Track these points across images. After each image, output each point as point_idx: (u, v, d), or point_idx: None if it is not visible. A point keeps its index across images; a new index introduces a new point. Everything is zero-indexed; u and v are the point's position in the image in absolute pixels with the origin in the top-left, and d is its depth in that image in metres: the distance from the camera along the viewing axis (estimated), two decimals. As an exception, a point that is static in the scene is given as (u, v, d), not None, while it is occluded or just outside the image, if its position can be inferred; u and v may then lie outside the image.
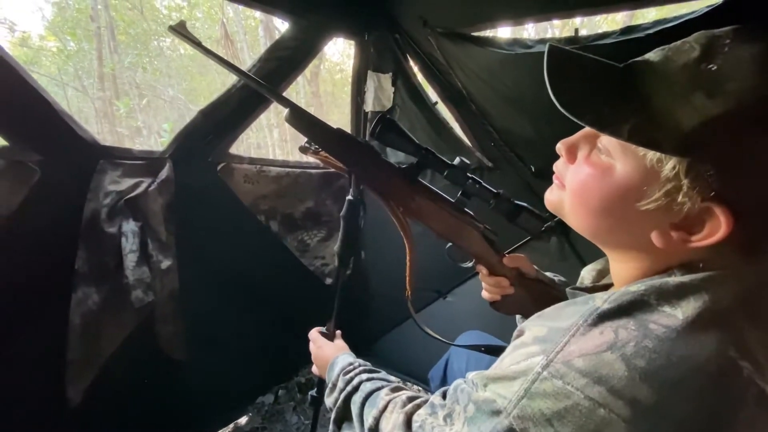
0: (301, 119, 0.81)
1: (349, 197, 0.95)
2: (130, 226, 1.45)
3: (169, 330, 1.64)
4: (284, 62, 1.74)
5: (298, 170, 2.07)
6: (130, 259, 1.41)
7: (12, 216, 1.21)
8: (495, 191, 0.82)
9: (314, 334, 1.04)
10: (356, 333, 1.43)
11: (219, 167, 1.77)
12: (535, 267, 0.91)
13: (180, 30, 0.90)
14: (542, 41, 1.27)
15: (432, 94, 1.95)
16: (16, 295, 1.27)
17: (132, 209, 1.47)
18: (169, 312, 1.61)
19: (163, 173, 1.57)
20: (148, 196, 1.52)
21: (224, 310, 1.95)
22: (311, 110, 1.94)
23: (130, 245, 1.43)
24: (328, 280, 2.40)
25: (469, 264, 0.89)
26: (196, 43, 0.90)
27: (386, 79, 2.01)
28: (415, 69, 1.91)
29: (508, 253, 0.89)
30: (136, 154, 1.53)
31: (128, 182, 1.49)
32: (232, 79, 1.66)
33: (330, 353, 0.90)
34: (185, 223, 1.66)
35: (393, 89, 2.03)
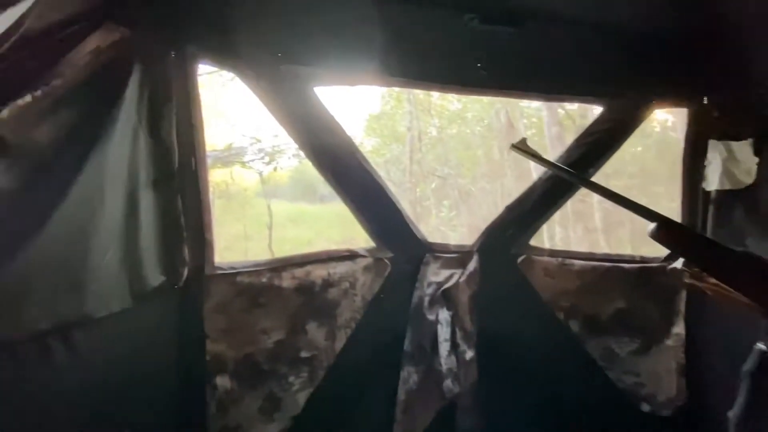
0: (677, 235, 0.63)
1: (762, 346, 0.64)
2: (444, 315, 1.60)
3: (467, 423, 1.63)
4: (595, 146, 1.60)
5: (608, 264, 1.76)
6: (444, 348, 1.52)
7: (372, 301, 1.56)
8: None
9: None
10: None
11: (519, 260, 1.74)
12: None
13: (521, 147, 0.95)
14: None
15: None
16: (361, 366, 1.60)
17: (446, 299, 1.63)
18: (469, 404, 1.61)
19: (471, 266, 1.67)
20: (459, 287, 1.64)
21: (518, 412, 1.79)
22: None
23: (444, 333, 1.56)
24: (645, 407, 1.81)
25: None
26: (537, 157, 0.92)
27: (743, 147, 1.47)
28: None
29: None
30: (452, 248, 1.72)
31: (445, 273, 1.67)
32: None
33: None
34: (486, 315, 1.68)
35: (757, 160, 1.46)
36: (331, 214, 6.04)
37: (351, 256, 1.62)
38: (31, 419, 0.91)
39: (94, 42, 0.98)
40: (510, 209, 1.67)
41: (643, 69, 1.50)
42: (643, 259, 1.78)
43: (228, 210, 4.85)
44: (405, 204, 1.80)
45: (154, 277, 1.21)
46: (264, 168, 4.58)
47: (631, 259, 1.78)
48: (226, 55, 1.32)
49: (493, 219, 1.74)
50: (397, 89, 5.41)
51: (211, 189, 1.50)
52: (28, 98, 0.86)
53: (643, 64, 1.49)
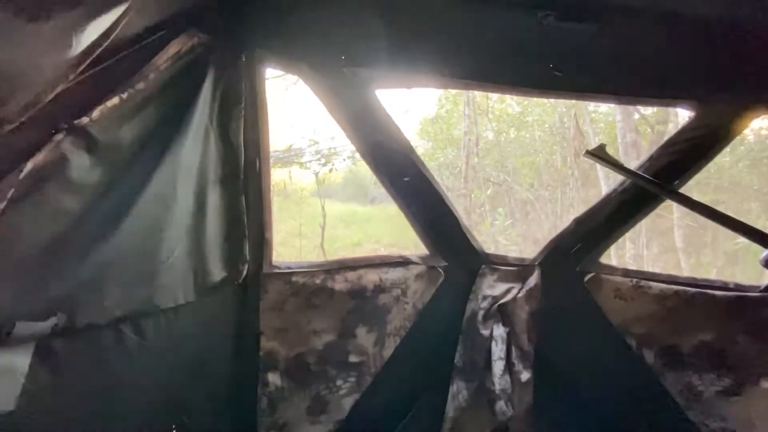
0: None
1: None
2: (499, 331, 1.52)
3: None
4: (683, 155, 1.42)
5: (694, 289, 1.55)
6: (498, 367, 1.44)
7: (423, 310, 1.52)
8: None
9: None
10: None
11: (587, 278, 1.60)
12: None
13: (598, 154, 0.86)
14: None
15: None
16: (408, 376, 1.56)
17: (503, 314, 1.54)
18: (522, 430, 1.50)
19: (531, 281, 1.57)
20: (517, 303, 1.55)
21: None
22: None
23: (498, 351, 1.48)
24: (736, 459, 1.57)
25: None
26: (618, 166, 0.82)
27: None
28: None
29: None
30: (511, 261, 1.63)
31: (502, 287, 1.58)
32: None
33: None
34: (545, 335, 1.57)
35: None
36: (381, 216, 6.09)
37: (404, 262, 1.60)
38: (101, 400, 0.97)
39: (175, 47, 1.04)
40: (579, 222, 1.54)
41: (742, 68, 1.30)
42: (738, 287, 1.55)
43: (284, 208, 5.08)
44: (459, 210, 1.74)
45: (217, 272, 1.26)
46: (320, 169, 4.74)
47: (723, 286, 1.56)
48: (292, 58, 1.35)
49: (557, 231, 1.65)
50: (453, 92, 5.33)
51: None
52: (116, 100, 0.93)
53: (742, 62, 1.29)
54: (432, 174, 1.56)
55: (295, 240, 4.89)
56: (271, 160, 1.46)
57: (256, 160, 1.35)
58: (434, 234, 1.60)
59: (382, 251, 5.25)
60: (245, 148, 1.30)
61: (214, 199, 1.23)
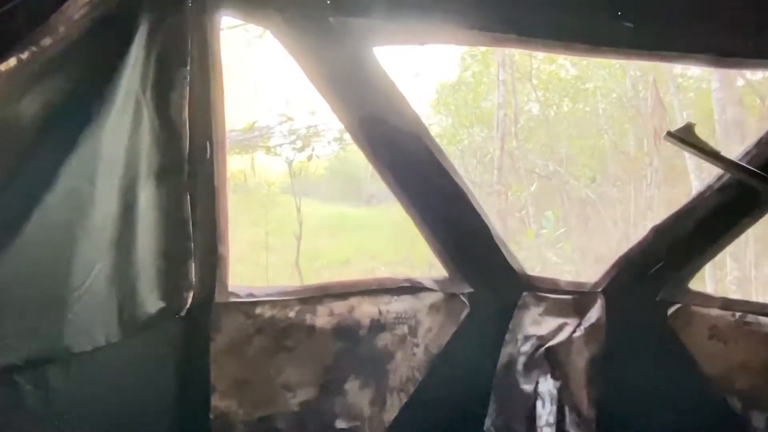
0: None
1: None
2: (548, 386, 1.53)
3: None
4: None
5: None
6: (546, 435, 1.45)
7: (439, 355, 1.53)
8: None
9: None
10: None
11: (671, 311, 1.63)
12: None
13: (683, 137, 0.87)
14: None
15: None
16: None
17: (552, 361, 1.55)
18: None
19: (593, 314, 1.59)
20: (572, 345, 1.57)
21: None
22: None
23: (546, 414, 1.49)
24: None
25: None
26: (710, 153, 0.85)
27: None
28: None
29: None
30: (563, 286, 1.66)
31: (551, 323, 1.60)
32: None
33: None
34: (612, 391, 1.59)
35: None
36: (380, 222, 6.07)
37: (412, 288, 1.61)
38: None
39: (92, -11, 1.05)
40: (659, 231, 1.56)
41: None
42: None
43: (245, 210, 5.09)
44: (491, 215, 1.74)
45: (151, 302, 1.26)
46: (295, 155, 4.76)
47: None
48: (257, 3, 1.37)
49: (629, 244, 1.69)
50: (482, 49, 5.36)
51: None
52: (12, 62, 0.93)
53: None
54: (452, 163, 1.58)
55: (260, 255, 4.91)
56: (228, 144, 1.46)
57: (206, 145, 1.36)
58: (456, 248, 1.62)
59: (382, 272, 5.26)
60: (191, 128, 1.31)
61: (147, 199, 1.24)
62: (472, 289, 1.60)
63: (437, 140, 1.60)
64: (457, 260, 1.62)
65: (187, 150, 1.32)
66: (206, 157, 1.36)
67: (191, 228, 1.34)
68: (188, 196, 1.33)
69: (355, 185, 6.69)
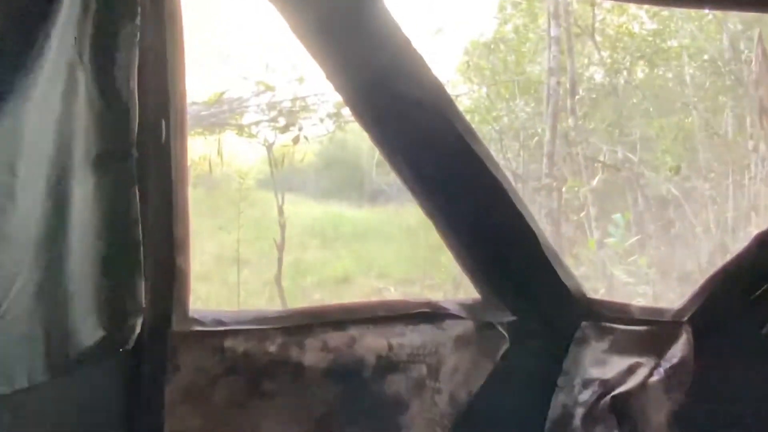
0: None
1: None
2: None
3: None
4: None
5: None
6: None
7: (470, 404, 1.54)
8: None
9: None
10: None
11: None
12: None
13: None
14: None
15: None
16: None
17: (620, 414, 1.55)
18: None
19: (676, 352, 1.60)
20: (648, 393, 1.57)
21: None
22: None
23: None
24: None
25: None
26: None
27: None
28: None
29: None
30: (636, 314, 1.66)
31: (618, 364, 1.60)
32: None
33: None
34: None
35: None
36: (389, 226, 6.06)
37: (433, 315, 1.61)
38: None
39: None
40: (765, 242, 1.58)
41: None
42: None
43: (209, 209, 5.11)
44: (539, 218, 1.73)
45: (87, 330, 1.27)
46: (276, 137, 4.75)
47: None
48: None
49: (724, 258, 1.68)
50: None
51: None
52: None
53: None
54: (487, 149, 1.58)
55: (230, 270, 4.92)
56: (189, 122, 1.47)
57: (161, 123, 1.37)
58: (492, 262, 1.63)
59: (392, 294, 5.25)
60: (142, 101, 1.32)
61: (83, 194, 1.25)
62: (513, 317, 1.60)
63: (467, 117, 1.60)
64: (494, 278, 1.64)
65: (136, 130, 1.32)
66: (161, 140, 1.38)
67: (141, 233, 1.34)
68: (137, 191, 1.34)
69: (355, 178, 6.66)
